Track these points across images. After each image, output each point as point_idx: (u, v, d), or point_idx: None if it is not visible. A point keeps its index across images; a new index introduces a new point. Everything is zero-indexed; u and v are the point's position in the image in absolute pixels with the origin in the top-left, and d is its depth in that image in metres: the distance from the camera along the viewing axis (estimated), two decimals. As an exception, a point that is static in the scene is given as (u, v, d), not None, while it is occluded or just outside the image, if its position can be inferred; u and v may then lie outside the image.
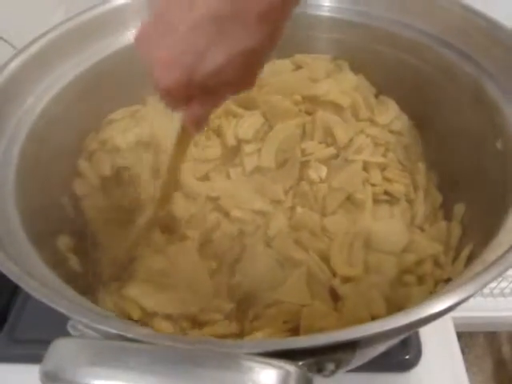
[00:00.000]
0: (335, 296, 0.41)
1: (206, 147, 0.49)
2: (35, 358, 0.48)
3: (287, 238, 0.44)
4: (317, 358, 0.25)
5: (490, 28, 0.42)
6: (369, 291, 0.39)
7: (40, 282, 0.30)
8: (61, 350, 0.24)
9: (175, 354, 0.23)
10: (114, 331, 0.26)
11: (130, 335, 0.26)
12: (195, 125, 0.32)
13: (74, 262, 0.45)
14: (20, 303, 0.53)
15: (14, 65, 0.43)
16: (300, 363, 0.25)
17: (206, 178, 0.49)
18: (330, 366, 0.25)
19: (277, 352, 0.25)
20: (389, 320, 0.25)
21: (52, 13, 0.56)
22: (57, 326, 0.28)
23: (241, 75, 0.28)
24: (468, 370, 0.49)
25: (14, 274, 0.29)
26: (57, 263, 0.39)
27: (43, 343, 0.48)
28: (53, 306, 0.27)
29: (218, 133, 0.51)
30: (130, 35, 0.49)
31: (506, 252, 0.29)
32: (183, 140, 0.37)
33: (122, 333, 0.26)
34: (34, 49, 0.44)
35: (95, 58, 0.48)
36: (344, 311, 0.38)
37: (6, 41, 0.57)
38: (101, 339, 0.27)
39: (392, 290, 0.40)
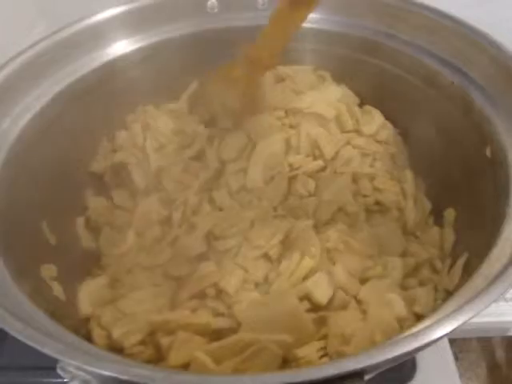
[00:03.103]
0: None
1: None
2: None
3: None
4: (323, 389, 0.24)
5: (474, 37, 0.42)
6: (386, 294, 0.38)
7: (24, 322, 0.28)
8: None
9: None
10: (107, 373, 0.25)
11: (124, 377, 0.24)
12: None
13: (58, 291, 0.43)
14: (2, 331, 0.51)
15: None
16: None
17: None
18: (338, 397, 0.24)
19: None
20: (399, 343, 0.24)
21: (32, 27, 0.54)
22: (39, 354, 0.26)
23: None
24: (462, 375, 0.49)
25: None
26: (40, 293, 0.37)
27: (26, 370, 0.47)
28: (39, 348, 0.26)
29: (199, 157, 0.50)
30: (110, 51, 0.48)
31: (507, 266, 0.29)
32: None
33: (116, 375, 0.25)
34: (9, 68, 0.42)
35: (74, 76, 0.47)
36: (368, 316, 0.37)
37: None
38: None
39: (400, 293, 0.39)
